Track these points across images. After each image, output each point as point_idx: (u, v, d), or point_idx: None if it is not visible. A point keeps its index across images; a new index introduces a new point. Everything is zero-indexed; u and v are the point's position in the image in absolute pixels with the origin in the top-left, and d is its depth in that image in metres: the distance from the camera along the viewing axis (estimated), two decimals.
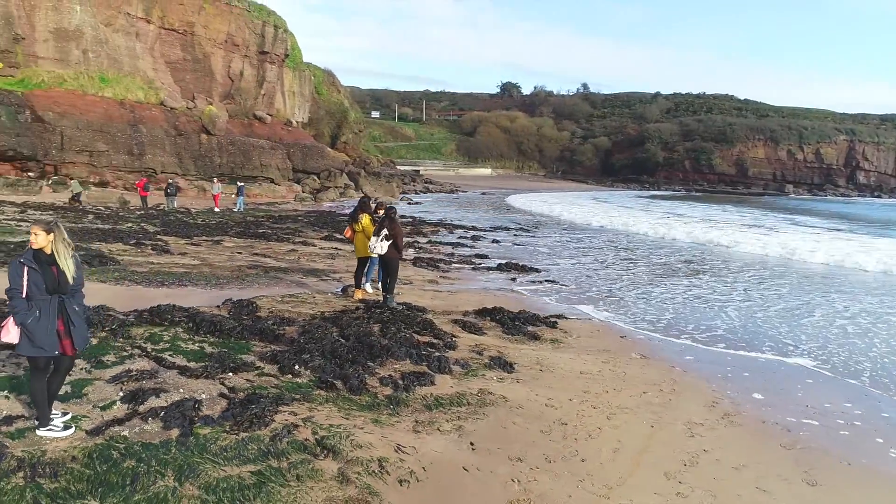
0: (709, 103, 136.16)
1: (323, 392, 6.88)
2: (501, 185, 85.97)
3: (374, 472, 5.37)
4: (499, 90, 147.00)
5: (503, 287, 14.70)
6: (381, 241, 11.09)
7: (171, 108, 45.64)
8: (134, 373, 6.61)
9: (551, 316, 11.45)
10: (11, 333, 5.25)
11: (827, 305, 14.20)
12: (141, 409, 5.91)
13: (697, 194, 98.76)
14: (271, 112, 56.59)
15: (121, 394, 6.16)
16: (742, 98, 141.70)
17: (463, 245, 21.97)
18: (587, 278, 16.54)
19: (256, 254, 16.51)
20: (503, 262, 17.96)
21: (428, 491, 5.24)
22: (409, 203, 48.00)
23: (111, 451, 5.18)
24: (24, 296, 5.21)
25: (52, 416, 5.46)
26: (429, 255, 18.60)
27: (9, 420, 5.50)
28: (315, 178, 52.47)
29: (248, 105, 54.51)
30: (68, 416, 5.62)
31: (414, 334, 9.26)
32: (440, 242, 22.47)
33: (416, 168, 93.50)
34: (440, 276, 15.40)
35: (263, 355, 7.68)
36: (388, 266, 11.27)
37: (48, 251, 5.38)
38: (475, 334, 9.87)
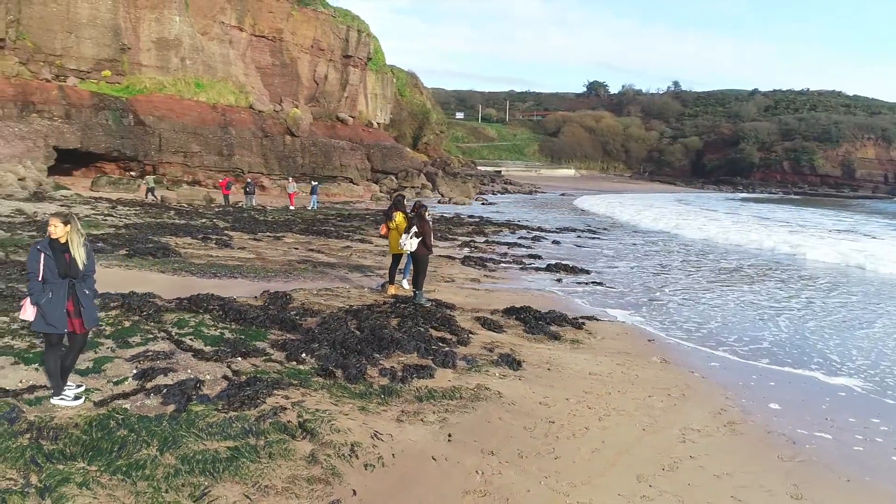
0: (813, 100, 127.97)
1: (321, 379, 7.23)
2: (583, 187, 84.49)
3: (343, 455, 5.64)
4: (585, 89, 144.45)
5: (544, 287, 14.63)
6: (411, 238, 11.38)
7: (259, 111, 48.06)
8: (151, 353, 7.22)
9: (581, 317, 11.34)
10: (28, 312, 5.90)
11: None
12: (148, 385, 6.47)
13: (796, 197, 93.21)
14: (353, 114, 58.39)
15: (134, 371, 6.76)
16: (851, 94, 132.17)
17: (520, 245, 21.94)
18: (639, 282, 16.12)
19: (311, 249, 17.25)
20: (554, 262, 17.82)
21: (390, 476, 5.45)
22: (482, 203, 48.16)
23: (109, 420, 5.72)
24: (39, 279, 5.85)
25: (66, 388, 6.09)
26: (479, 255, 18.73)
27: (32, 389, 6.18)
28: (393, 178, 53.66)
29: (332, 107, 56.50)
30: (82, 389, 6.24)
31: (430, 329, 9.48)
32: (498, 242, 22.53)
33: (498, 169, 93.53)
34: (484, 275, 15.51)
35: (276, 343, 8.15)
36: (418, 263, 11.55)
37: (63, 240, 5.99)
38: (494, 332, 9.96)
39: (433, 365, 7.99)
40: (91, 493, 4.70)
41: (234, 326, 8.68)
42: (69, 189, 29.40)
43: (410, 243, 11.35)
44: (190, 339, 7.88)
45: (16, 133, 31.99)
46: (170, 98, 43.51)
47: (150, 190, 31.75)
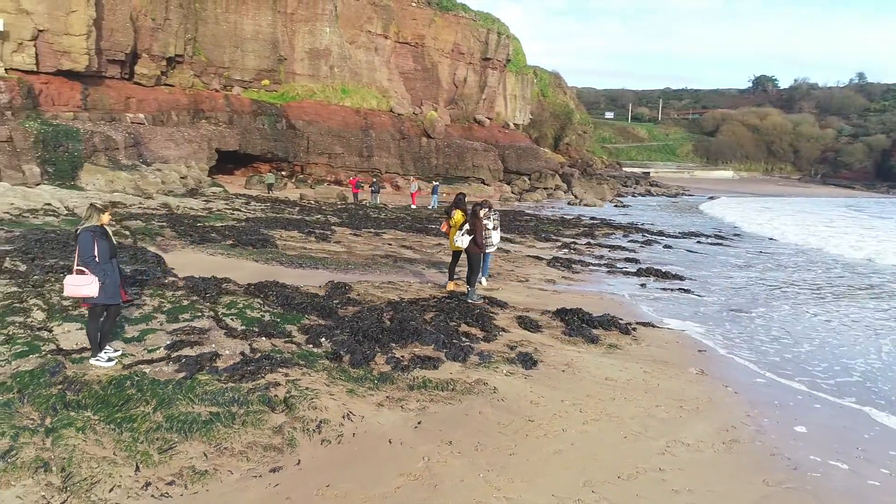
0: None
1: (327, 362, 7.79)
2: (739, 189, 78.43)
3: (308, 430, 6.14)
4: (750, 85, 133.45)
5: (619, 291, 14.14)
6: (463, 235, 11.65)
7: (398, 115, 50.37)
8: (189, 329, 8.23)
9: (637, 323, 10.94)
10: (92, 289, 6.93)
11: None
12: (173, 355, 7.42)
13: None
14: (491, 115, 59.20)
15: (167, 342, 7.77)
16: None
17: (625, 249, 21.19)
18: (740, 295, 14.82)
19: (403, 245, 18.05)
20: (646, 267, 17.08)
21: (340, 452, 5.86)
22: (616, 206, 46.66)
23: (126, 381, 6.70)
24: (97, 261, 6.93)
25: (104, 351, 7.18)
26: (571, 256, 18.44)
27: (82, 350, 7.36)
28: (526, 179, 53.68)
29: (470, 109, 57.72)
30: (118, 353, 7.32)
31: (462, 325, 9.72)
32: (603, 245, 21.92)
33: (647, 170, 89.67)
34: (563, 277, 15.32)
35: (303, 327, 8.87)
36: (469, 260, 11.78)
37: (106, 226, 7.09)
38: (529, 331, 9.95)
39: (444, 358, 8.25)
40: (84, 437, 5.62)
41: (277, 311, 9.55)
42: (220, 186, 33.00)
43: (462, 240, 11.63)
44: (230, 319, 8.84)
45: (185, 137, 36.48)
46: (318, 104, 47.00)
47: (269, 186, 34.66)
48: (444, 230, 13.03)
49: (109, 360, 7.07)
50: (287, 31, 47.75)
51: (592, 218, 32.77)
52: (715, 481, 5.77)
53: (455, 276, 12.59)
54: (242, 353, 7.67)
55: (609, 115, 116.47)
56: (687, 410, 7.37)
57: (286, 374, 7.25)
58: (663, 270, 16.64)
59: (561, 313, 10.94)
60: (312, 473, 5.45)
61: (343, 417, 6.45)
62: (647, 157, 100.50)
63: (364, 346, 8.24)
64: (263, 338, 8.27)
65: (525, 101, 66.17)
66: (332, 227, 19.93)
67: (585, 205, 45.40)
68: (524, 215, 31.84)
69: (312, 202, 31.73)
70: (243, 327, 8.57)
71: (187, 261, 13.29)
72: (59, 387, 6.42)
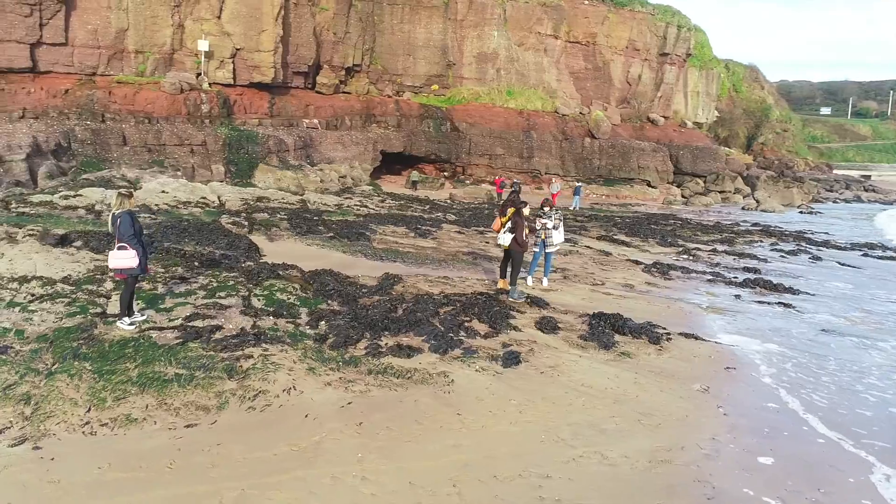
0: None
1: (311, 343, 8.47)
2: None
3: (244, 397, 6.88)
4: None
5: (700, 301, 12.98)
6: (506, 232, 11.61)
7: (563, 115, 49.85)
8: (213, 304, 9.41)
9: (676, 333, 10.12)
10: (130, 261, 8.37)
11: None
12: (185, 324, 8.61)
13: None
14: (667, 114, 56.03)
15: (187, 314, 9.00)
16: None
17: (756, 258, 19.10)
18: (845, 317, 12.85)
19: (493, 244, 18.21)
20: (757, 278, 15.36)
21: (256, 418, 6.50)
22: (802, 212, 41.64)
23: (131, 342, 7.98)
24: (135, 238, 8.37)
25: (132, 316, 8.55)
26: (674, 262, 17.15)
27: (118, 316, 8.84)
28: (699, 181, 50.00)
29: (644, 108, 55.20)
30: (141, 318, 8.68)
31: (475, 320, 9.82)
32: (734, 252, 19.96)
33: (867, 173, 78.19)
34: (648, 283, 14.41)
35: (315, 311, 9.63)
36: (512, 259, 11.69)
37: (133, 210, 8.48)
38: (543, 332, 9.72)
39: (425, 349, 8.51)
40: (68, 381, 6.90)
41: (305, 295, 10.45)
42: (373, 185, 35.46)
43: (504, 238, 11.61)
44: (256, 300, 9.92)
45: (353, 140, 39.79)
46: (482, 106, 48.25)
47: (414, 184, 36.43)
48: (495, 228, 13.04)
49: (131, 324, 8.44)
50: (456, 36, 49.62)
51: (755, 224, 29.75)
52: (596, 497, 5.41)
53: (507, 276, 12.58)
54: (242, 329, 8.65)
55: (825, 110, 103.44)
56: (644, 425, 6.85)
57: (265, 350, 8.06)
58: (775, 283, 14.86)
59: (596, 317, 10.49)
60: (217, 432, 6.15)
61: (284, 391, 7.07)
62: (868, 158, 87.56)
63: (355, 331, 8.79)
64: (272, 317, 9.20)
65: (710, 98, 61.46)
66: (441, 225, 20.67)
67: (763, 210, 41.14)
68: (671, 219, 29.90)
69: (453, 201, 32.77)
70: (263, 307, 9.58)
71: (282, 249, 14.88)
72: (80, 342, 7.86)
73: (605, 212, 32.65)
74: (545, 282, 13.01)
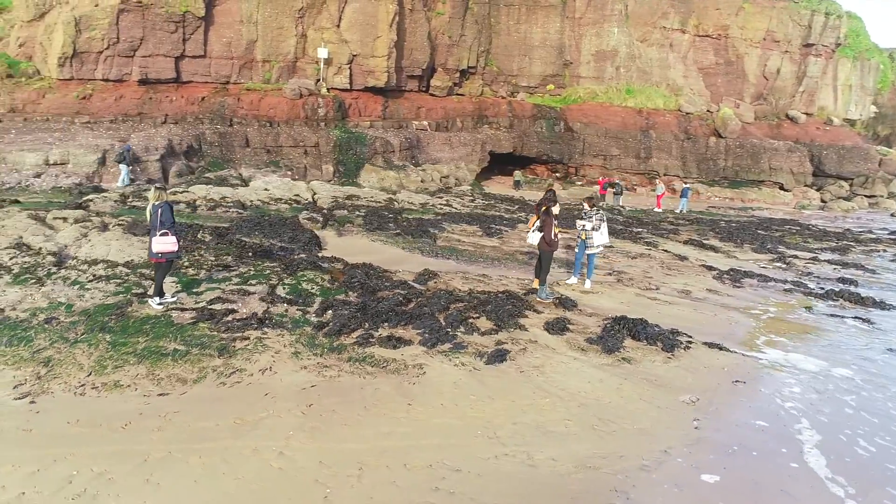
0: None
1: (309, 329, 8.97)
2: None
3: (221, 373, 7.52)
4: None
5: (756, 311, 11.95)
6: (533, 232, 11.44)
7: (686, 114, 47.25)
8: (240, 290, 10.22)
9: (701, 342, 9.49)
10: (173, 245, 9.42)
11: None
12: (205, 307, 9.47)
13: None
14: (810, 110, 51.20)
15: (211, 298, 9.87)
16: None
17: (864, 269, 17.08)
18: None
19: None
20: (843, 290, 13.81)
21: (221, 393, 7.08)
22: None
23: (152, 319, 8.94)
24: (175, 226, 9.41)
25: (161, 297, 9.55)
26: (749, 269, 15.80)
27: (152, 297, 9.89)
28: (844, 184, 45.18)
29: (782, 104, 50.89)
30: (171, 300, 9.65)
31: (482, 316, 9.85)
32: (839, 262, 17.99)
33: None
34: (710, 290, 13.45)
35: (328, 301, 10.13)
36: (540, 258, 11.47)
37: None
38: (549, 332, 9.51)
39: (415, 341, 8.72)
40: (87, 349, 7.92)
41: (330, 286, 11.01)
42: (469, 186, 35.78)
43: (532, 237, 11.45)
44: (280, 287, 10.62)
45: (461, 140, 40.44)
46: (599, 105, 46.98)
47: (517, 184, 36.15)
48: (529, 227, 12.83)
49: (160, 304, 9.44)
50: (574, 35, 48.72)
51: (893, 233, 26.49)
52: (492, 494, 5.36)
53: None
54: (254, 314, 9.35)
55: None
56: (596, 430, 6.60)
57: (263, 333, 8.69)
58: (864, 295, 13.30)
59: (617, 321, 10.08)
60: (181, 402, 6.80)
61: (260, 371, 7.62)
62: None
63: (356, 321, 9.18)
64: (286, 305, 9.83)
65: (865, 92, 55.20)
66: (517, 225, 20.52)
67: None
68: (788, 224, 27.40)
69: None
70: (284, 295, 10.25)
71: (345, 243, 15.69)
72: (112, 317, 8.94)
73: (715, 215, 30.58)
74: (588, 283, 12.65)
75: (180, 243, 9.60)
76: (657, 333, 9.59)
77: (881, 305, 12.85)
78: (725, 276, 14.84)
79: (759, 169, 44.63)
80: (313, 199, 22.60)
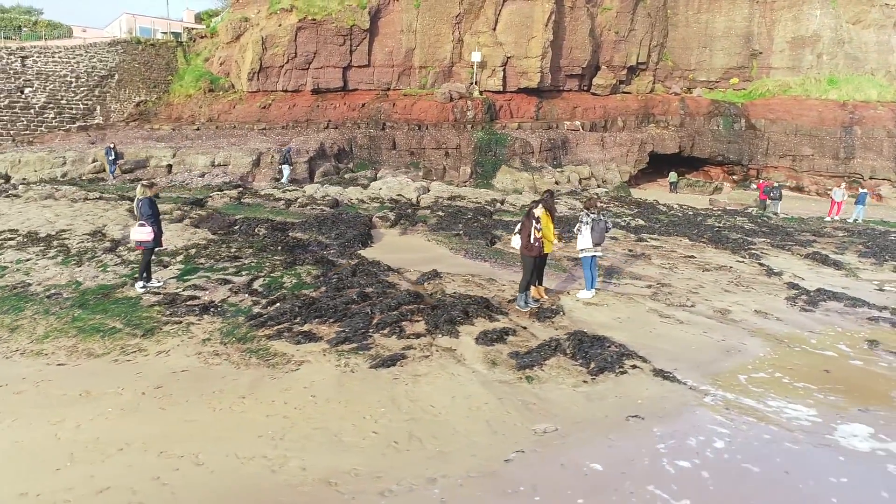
0: None
1: (241, 319, 9.37)
2: None
3: (125, 351, 8.25)
4: None
5: (802, 339, 9.73)
6: (515, 234, 10.56)
7: None
8: (220, 280, 10.99)
9: (636, 366, 8.10)
10: (146, 235, 10.59)
11: None
12: (171, 293, 10.38)
13: None
14: None
15: (191, 284, 10.77)
16: None
17: None
18: None
19: (623, 252, 15.92)
20: None
21: (102, 367, 7.78)
22: None
23: (125, 300, 10.04)
24: (151, 218, 10.56)
25: (147, 280, 10.66)
26: (843, 292, 12.77)
27: (136, 279, 11.06)
28: None
29: None
30: (153, 284, 10.70)
31: (422, 320, 9.44)
32: None
33: None
34: (760, 311, 11.12)
35: (283, 295, 10.44)
36: (522, 263, 10.53)
37: (153, 198, 10.58)
38: (477, 342, 8.73)
39: (324, 339, 8.69)
40: (51, 320, 9.21)
41: (306, 280, 11.32)
42: (607, 189, 33.55)
43: (515, 240, 10.60)
44: (262, 280, 11.17)
45: (616, 141, 38.25)
46: (791, 99, 41.32)
47: (673, 185, 32.80)
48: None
49: (142, 287, 10.56)
50: (765, 21, 43.49)
51: None
52: (186, 489, 5.23)
53: (541, 282, 11.41)
54: (210, 301, 10.04)
55: None
56: (394, 447, 6.04)
57: (199, 319, 9.31)
58: None
59: (572, 336, 9.00)
60: (64, 372, 7.62)
61: (156, 353, 8.22)
62: None
63: (289, 315, 9.40)
64: (247, 295, 10.37)
65: None
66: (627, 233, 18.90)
67: None
68: None
69: (707, 206, 28.95)
70: (260, 288, 10.79)
71: (397, 242, 16.03)
72: (98, 296, 10.24)
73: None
74: (584, 293, 11.32)
75: (160, 234, 10.61)
76: (598, 354, 8.37)
77: None
78: (803, 296, 12.28)
79: None
80: (417, 199, 23.18)
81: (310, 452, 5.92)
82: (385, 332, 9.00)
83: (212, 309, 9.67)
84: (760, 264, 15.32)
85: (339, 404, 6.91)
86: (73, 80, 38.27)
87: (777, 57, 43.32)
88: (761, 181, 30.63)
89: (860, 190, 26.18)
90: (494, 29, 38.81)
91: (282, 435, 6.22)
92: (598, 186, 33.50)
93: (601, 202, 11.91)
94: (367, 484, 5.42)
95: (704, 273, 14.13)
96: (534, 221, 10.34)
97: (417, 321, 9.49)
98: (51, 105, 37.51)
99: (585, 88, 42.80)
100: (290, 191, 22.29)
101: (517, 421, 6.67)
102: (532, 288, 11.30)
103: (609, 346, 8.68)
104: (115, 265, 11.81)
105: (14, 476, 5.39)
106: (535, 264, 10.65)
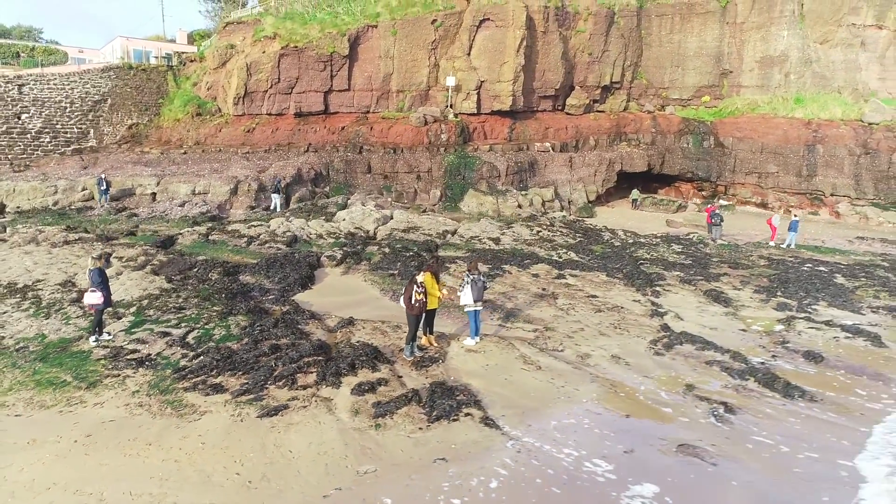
0: None
1: (168, 372, 11.74)
2: None
3: (69, 402, 10.62)
4: None
5: (628, 385, 11.95)
6: (400, 296, 12.87)
7: (869, 124, 41.26)
8: (161, 332, 13.39)
9: (470, 413, 10.37)
10: (97, 299, 12.96)
11: None
12: (120, 346, 12.78)
13: None
14: None
15: (135, 338, 13.16)
16: None
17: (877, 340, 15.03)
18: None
19: (543, 290, 18.14)
20: (768, 371, 12.77)
21: (53, 417, 10.16)
22: None
23: (79, 353, 12.44)
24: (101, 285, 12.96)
25: (99, 335, 13.07)
26: (695, 335, 14.92)
27: (90, 333, 13.48)
28: None
29: None
30: (108, 338, 13.12)
31: (314, 372, 11.78)
32: (852, 330, 15.88)
33: None
34: (616, 356, 13.44)
35: (208, 349, 12.81)
36: (407, 319, 12.85)
37: (101, 266, 12.99)
38: (352, 393, 11.09)
39: (229, 390, 11.05)
40: (14, 372, 11.61)
41: (232, 332, 13.69)
42: (561, 213, 35.65)
43: (400, 300, 12.90)
44: (196, 332, 13.54)
45: (585, 161, 40.32)
46: (759, 117, 43.16)
47: (634, 202, 35.21)
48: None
49: (95, 341, 12.96)
50: (735, 41, 45.40)
51: None
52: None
53: (432, 332, 13.73)
54: (147, 355, 12.42)
55: None
56: (249, 488, 8.37)
57: (134, 372, 11.67)
58: (783, 378, 12.29)
59: (436, 386, 11.29)
60: (17, 422, 10.01)
61: (93, 404, 10.59)
62: None
63: (207, 368, 11.75)
64: (179, 348, 12.74)
65: None
66: (542, 263, 21.14)
67: None
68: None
69: (625, 232, 30.86)
70: (192, 340, 13.17)
71: (336, 283, 18.39)
72: (57, 350, 12.64)
73: (834, 252, 27.12)
74: (468, 340, 13.61)
75: (108, 297, 12.99)
76: (444, 403, 10.66)
77: (799, 392, 11.84)
78: (664, 340, 14.51)
79: None
80: (374, 231, 25.53)
81: (184, 491, 8.27)
82: (280, 383, 11.33)
83: (146, 362, 12.05)
84: (652, 303, 17.52)
85: (220, 450, 9.25)
86: (68, 105, 40.96)
87: (747, 76, 45.21)
88: (709, 206, 32.66)
89: (793, 217, 28.15)
90: (469, 54, 41.03)
91: (168, 476, 8.57)
92: (562, 209, 35.65)
93: (481, 266, 14.09)
94: None
95: (595, 314, 16.36)
96: (415, 286, 12.65)
97: (311, 373, 11.82)
98: (46, 130, 40.20)
99: (560, 108, 44.90)
100: (255, 226, 24.70)
101: (350, 463, 8.99)
102: (424, 337, 13.64)
103: (458, 396, 10.97)
104: (78, 317, 14.24)
105: None
106: (418, 320, 12.95)
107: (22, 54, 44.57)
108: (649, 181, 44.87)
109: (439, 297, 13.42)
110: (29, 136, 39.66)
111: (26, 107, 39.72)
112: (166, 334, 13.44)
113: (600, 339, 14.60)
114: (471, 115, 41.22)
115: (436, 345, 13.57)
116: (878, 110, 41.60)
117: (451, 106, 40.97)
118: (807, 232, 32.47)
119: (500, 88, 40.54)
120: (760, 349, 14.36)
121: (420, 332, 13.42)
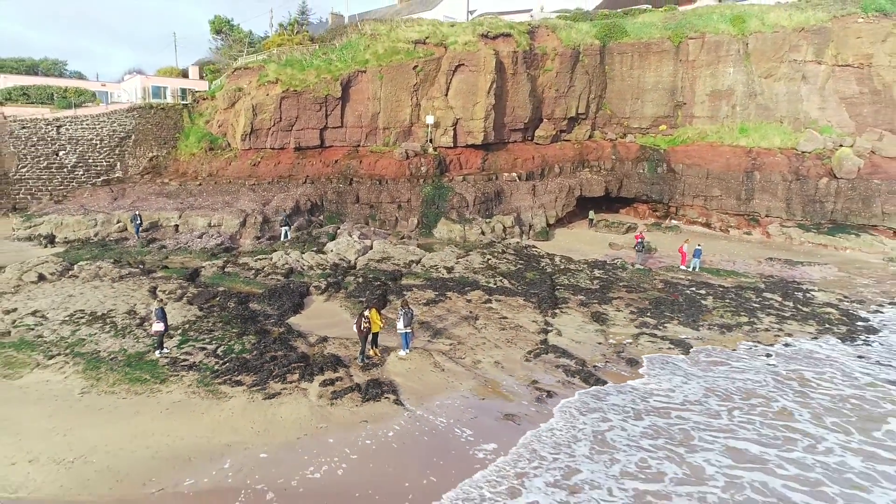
0: None
1: (208, 373, 19.78)
2: None
3: (143, 391, 18.74)
4: None
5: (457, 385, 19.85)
6: (355, 323, 20.82)
7: (802, 153, 48.67)
8: (201, 348, 21.46)
9: (394, 401, 18.30)
10: (160, 328, 21.00)
11: None
12: (177, 357, 20.85)
13: None
14: None
15: (184, 351, 21.23)
16: None
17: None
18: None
19: (469, 314, 25.97)
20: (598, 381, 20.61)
21: (117, 402, 18.27)
22: None
23: (150, 361, 20.54)
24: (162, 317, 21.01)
25: (162, 349, 21.15)
26: (560, 346, 22.77)
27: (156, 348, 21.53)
28: None
29: None
30: (166, 352, 21.17)
31: (296, 371, 19.77)
32: (677, 342, 23.63)
33: None
34: (498, 363, 21.30)
35: (233, 356, 20.83)
36: (359, 338, 20.82)
37: (163, 306, 21.11)
38: (320, 385, 19.05)
39: (246, 384, 19.09)
40: (113, 372, 19.74)
41: (247, 346, 21.70)
42: (519, 238, 43.43)
43: (354, 326, 20.85)
44: (222, 346, 21.55)
45: (546, 189, 48.04)
46: (707, 146, 50.69)
47: (591, 221, 43.56)
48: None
49: (159, 353, 21.01)
50: (688, 76, 52.87)
51: None
52: None
53: (377, 346, 21.69)
54: (193, 363, 20.45)
55: None
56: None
57: (186, 372, 19.70)
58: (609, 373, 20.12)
59: (371, 384, 19.22)
60: (92, 399, 18.11)
61: (162, 392, 18.68)
62: None
63: (234, 370, 19.79)
64: (213, 358, 20.75)
65: None
66: (477, 290, 29.03)
67: None
68: (802, 288, 31.13)
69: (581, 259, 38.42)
70: (220, 353, 21.18)
71: (321, 308, 26.35)
72: (136, 359, 20.73)
73: (728, 275, 34.72)
74: (402, 352, 21.48)
75: (166, 326, 21.00)
76: (374, 391, 18.57)
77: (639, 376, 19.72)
78: (535, 351, 22.31)
79: (869, 213, 45.09)
80: (355, 261, 33.56)
81: (224, 435, 16.23)
82: (276, 380, 19.30)
83: (193, 367, 20.07)
84: (546, 322, 25.35)
85: (241, 417, 17.22)
86: (98, 141, 49.44)
87: (698, 107, 52.73)
88: (637, 233, 40.20)
89: (697, 246, 35.76)
90: (446, 95, 48.93)
91: (215, 429, 16.57)
92: (522, 234, 43.42)
93: (411, 302, 21.94)
94: (209, 454, 15.77)
95: (499, 332, 24.22)
96: (363, 318, 20.62)
97: (296, 373, 19.80)
98: (80, 164, 48.71)
99: (529, 139, 52.69)
100: (260, 258, 32.77)
101: (313, 423, 16.93)
102: (372, 349, 21.64)
103: (383, 387, 18.87)
104: (143, 337, 22.34)
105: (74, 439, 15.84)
106: (366, 339, 20.88)
107: (56, 95, 53.02)
108: (612, 202, 52.51)
109: (380, 325, 21.35)
110: (65, 170, 48.20)
111: (63, 145, 48.25)
112: (203, 349, 21.49)
113: (494, 350, 22.48)
114: (448, 148, 49.11)
115: (379, 355, 21.54)
116: (812, 140, 49.04)
117: (430, 140, 48.89)
118: (728, 252, 40.04)
119: (474, 125, 48.39)
120: (601, 357, 22.18)
121: (369, 347, 21.41)
